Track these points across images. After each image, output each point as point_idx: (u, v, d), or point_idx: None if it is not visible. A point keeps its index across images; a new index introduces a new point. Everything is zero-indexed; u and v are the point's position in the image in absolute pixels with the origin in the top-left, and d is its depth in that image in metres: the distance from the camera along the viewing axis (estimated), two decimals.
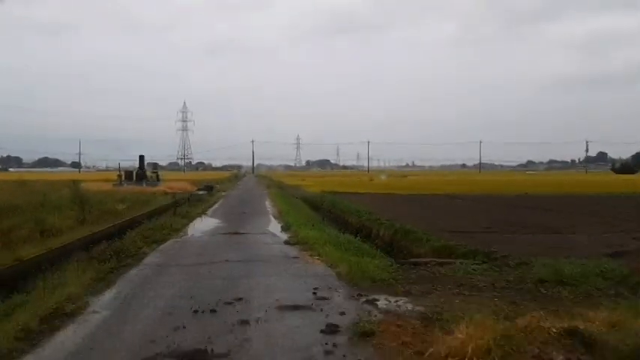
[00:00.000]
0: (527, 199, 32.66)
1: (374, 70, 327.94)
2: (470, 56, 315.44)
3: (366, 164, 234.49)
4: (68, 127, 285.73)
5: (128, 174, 45.35)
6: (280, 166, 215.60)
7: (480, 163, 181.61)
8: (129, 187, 41.35)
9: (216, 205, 28.75)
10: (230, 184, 65.32)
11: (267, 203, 29.86)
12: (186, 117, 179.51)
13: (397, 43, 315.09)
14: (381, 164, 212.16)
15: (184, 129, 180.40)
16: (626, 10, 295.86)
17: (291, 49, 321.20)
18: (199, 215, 22.54)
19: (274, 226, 18.34)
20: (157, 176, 47.02)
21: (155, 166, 50.26)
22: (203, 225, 18.96)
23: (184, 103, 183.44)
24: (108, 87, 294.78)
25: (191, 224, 19.04)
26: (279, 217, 21.51)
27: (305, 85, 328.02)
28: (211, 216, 22.72)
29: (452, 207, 27.08)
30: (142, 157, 46.06)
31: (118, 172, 46.71)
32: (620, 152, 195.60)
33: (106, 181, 47.66)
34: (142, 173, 44.93)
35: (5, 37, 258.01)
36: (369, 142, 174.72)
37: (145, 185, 42.69)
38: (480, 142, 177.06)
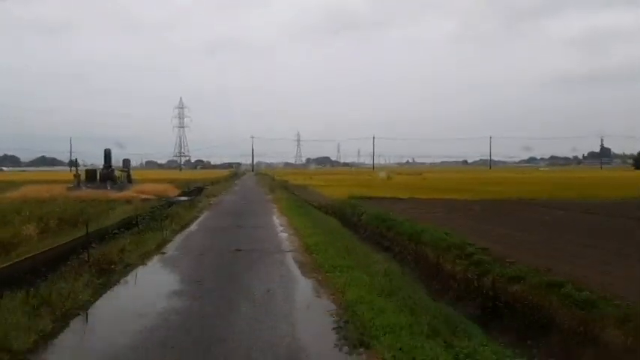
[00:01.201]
0: None
1: (374, 67, 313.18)
2: (470, 53, 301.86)
3: (366, 161, 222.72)
4: (67, 126, 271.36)
5: (91, 174, 33.20)
6: (280, 163, 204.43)
7: (490, 160, 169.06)
8: (85, 192, 29.56)
9: (192, 227, 16.74)
10: (226, 184, 53.36)
11: (277, 221, 17.97)
12: (182, 113, 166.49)
13: (397, 40, 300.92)
14: (381, 161, 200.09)
15: (181, 125, 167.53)
16: (628, 6, 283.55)
17: (291, 47, 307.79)
18: (144, 260, 10.69)
19: (318, 324, 6.51)
20: (128, 176, 34.85)
21: (126, 163, 37.44)
22: (118, 322, 6.94)
23: (180, 99, 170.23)
24: (107, 86, 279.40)
25: (88, 315, 7.04)
26: (312, 265, 9.71)
27: (304, 83, 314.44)
28: (168, 262, 10.72)
29: (572, 225, 15.58)
30: (107, 152, 33.85)
31: (74, 172, 34.62)
32: (623, 148, 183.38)
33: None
34: (108, 173, 32.83)
35: (2, 35, 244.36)
36: (374, 138, 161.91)
37: (109, 188, 30.82)
38: (490, 137, 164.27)
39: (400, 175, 69.64)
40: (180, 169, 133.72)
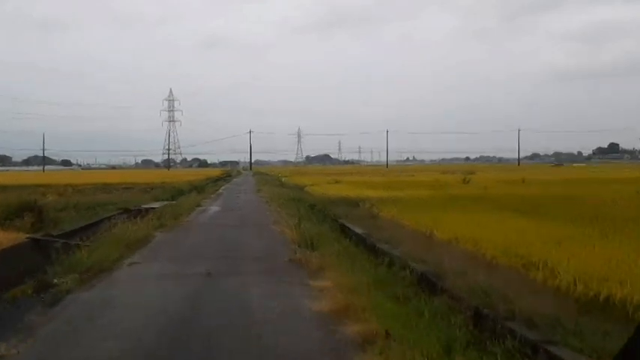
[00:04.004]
0: None
1: (373, 63, 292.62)
2: (470, 50, 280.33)
3: (366, 158, 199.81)
4: (63, 124, 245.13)
5: None
6: (279, 161, 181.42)
7: (519, 157, 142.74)
8: None
9: None
10: (198, 198, 28.82)
11: None
12: (172, 106, 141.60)
13: (397, 36, 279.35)
14: (382, 158, 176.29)
15: (170, 119, 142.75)
16: (626, 2, 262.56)
17: (289, 43, 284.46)
18: None
19: None
20: None
21: None
22: None
23: (170, 90, 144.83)
24: (102, 83, 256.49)
25: None
26: None
27: (303, 80, 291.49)
28: None
29: None
30: None
31: None
32: (632, 143, 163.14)
33: None
34: None
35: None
36: (387, 132, 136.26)
37: None
38: (519, 130, 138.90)
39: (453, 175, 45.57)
40: (169, 168, 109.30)
